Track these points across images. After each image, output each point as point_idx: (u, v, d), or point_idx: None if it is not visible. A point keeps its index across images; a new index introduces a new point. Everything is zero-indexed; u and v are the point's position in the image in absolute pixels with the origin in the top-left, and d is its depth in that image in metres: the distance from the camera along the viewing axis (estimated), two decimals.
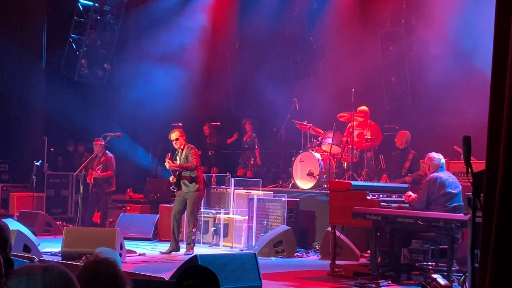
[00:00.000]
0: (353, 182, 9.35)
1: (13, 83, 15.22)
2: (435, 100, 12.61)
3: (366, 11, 13.91)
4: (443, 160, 8.95)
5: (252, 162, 14.64)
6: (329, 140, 12.32)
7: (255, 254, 7.15)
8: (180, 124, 13.91)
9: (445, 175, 8.79)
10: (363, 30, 14.03)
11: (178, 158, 10.71)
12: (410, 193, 9.02)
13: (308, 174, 12.24)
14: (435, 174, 8.75)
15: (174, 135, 10.79)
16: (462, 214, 7.42)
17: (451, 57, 12.16)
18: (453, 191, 8.62)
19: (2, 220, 4.54)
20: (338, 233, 9.05)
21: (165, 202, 12.90)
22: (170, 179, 10.80)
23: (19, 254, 7.96)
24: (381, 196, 8.84)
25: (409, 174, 11.28)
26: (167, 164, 10.66)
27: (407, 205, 8.88)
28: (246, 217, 11.50)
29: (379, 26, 13.98)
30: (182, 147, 10.72)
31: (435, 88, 12.64)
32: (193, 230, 10.64)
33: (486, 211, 3.75)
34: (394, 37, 13.71)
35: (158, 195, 13.86)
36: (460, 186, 8.78)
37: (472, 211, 4.54)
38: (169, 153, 10.77)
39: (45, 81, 15.88)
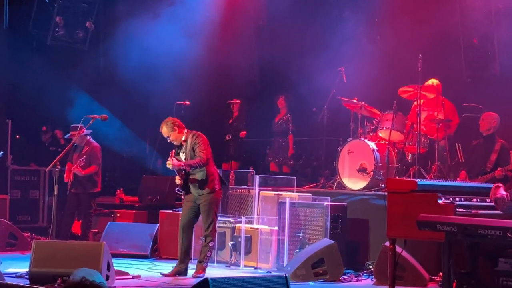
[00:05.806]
0: (419, 181, 9.29)
1: None
2: None
3: None
4: None
5: (284, 152, 14.65)
6: (388, 124, 12.26)
7: (286, 277, 7.14)
8: (187, 102, 13.97)
9: None
10: None
11: (182, 152, 10.67)
12: (500, 186, 8.88)
13: (359, 170, 12.26)
14: None
15: (164, 132, 10.64)
16: None
17: None
18: None
19: None
20: (399, 250, 9.01)
21: (167, 207, 12.98)
22: (176, 180, 10.74)
23: None
24: (457, 199, 8.79)
25: (499, 168, 11.19)
26: (169, 165, 10.50)
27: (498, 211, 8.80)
28: (276, 228, 11.54)
29: None
30: (184, 138, 10.65)
31: None
32: (210, 244, 10.64)
33: None
34: None
35: (158, 197, 13.92)
36: None
37: None
38: (174, 149, 10.66)
39: (7, 45, 15.99)
